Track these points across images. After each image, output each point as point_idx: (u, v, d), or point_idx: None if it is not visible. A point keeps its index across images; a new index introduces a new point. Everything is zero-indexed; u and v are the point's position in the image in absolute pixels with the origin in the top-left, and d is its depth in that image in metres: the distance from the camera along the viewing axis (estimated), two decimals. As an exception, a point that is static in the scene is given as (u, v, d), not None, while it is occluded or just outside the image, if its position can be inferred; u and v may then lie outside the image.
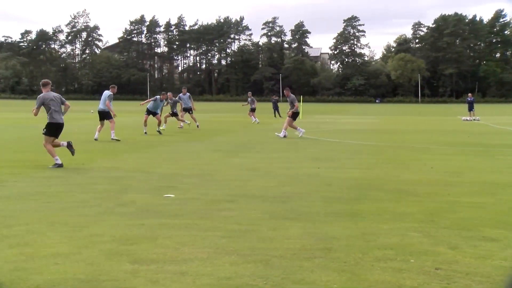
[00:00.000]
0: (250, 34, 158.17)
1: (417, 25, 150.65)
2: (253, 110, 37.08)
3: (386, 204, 8.67)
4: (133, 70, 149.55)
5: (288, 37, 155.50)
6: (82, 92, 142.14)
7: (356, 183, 10.93)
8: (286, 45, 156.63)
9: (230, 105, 37.39)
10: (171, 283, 4.89)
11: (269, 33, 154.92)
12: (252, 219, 7.48)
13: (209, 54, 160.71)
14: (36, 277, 4.98)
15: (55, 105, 13.26)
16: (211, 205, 8.46)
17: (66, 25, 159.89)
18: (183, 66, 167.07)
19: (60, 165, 12.82)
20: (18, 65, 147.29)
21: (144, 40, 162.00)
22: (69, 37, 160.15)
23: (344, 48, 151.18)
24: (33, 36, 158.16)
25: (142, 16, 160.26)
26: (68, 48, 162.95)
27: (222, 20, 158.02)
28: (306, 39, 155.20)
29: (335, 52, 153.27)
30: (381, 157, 16.12)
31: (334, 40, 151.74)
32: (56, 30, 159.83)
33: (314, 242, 6.32)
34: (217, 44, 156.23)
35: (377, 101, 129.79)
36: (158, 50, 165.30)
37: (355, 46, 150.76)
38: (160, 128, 24.95)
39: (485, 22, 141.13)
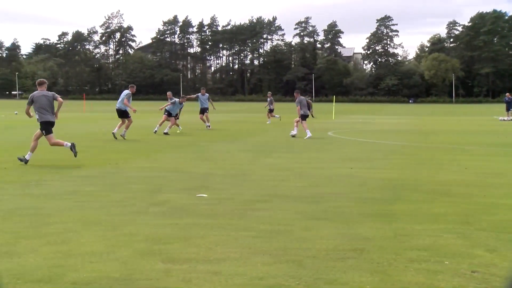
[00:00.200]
0: (283, 34, 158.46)
1: (452, 24, 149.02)
2: (270, 111, 36.93)
3: (419, 205, 8.57)
4: (166, 71, 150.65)
5: (321, 37, 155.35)
6: (115, 92, 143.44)
7: (389, 183, 10.84)
8: (318, 45, 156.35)
9: (263, 105, 37.36)
10: (203, 283, 4.90)
11: (301, 33, 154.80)
12: (285, 219, 7.47)
13: (242, 54, 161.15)
14: (73, 275, 5.04)
15: (45, 104, 13.67)
16: (244, 205, 8.46)
17: (101, 26, 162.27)
18: (216, 66, 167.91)
19: (26, 162, 13.26)
20: (55, 66, 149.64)
21: (177, 40, 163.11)
22: (103, 38, 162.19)
23: (377, 48, 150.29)
24: (69, 37, 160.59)
25: (175, 17, 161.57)
26: (102, 48, 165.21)
27: (254, 20, 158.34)
28: (339, 39, 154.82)
29: (368, 52, 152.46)
30: (415, 157, 15.96)
31: (367, 40, 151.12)
32: (91, 31, 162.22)
33: (347, 242, 6.28)
34: (249, 44, 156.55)
35: (410, 101, 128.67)
36: (191, 50, 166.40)
37: (388, 46, 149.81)
38: (156, 129, 24.84)
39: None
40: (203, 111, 28.77)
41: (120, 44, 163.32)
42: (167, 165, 13.49)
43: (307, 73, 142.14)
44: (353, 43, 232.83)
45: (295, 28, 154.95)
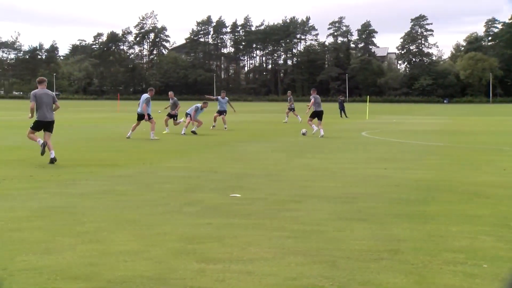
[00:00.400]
0: (316, 34, 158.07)
1: (490, 22, 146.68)
2: (291, 109, 36.82)
3: (455, 206, 8.46)
4: (200, 71, 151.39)
5: (355, 36, 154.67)
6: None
7: (424, 184, 10.72)
8: (352, 45, 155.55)
9: (296, 106, 37.24)
10: (237, 283, 4.91)
11: (335, 33, 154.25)
12: (319, 219, 7.44)
13: (275, 54, 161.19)
14: (108, 273, 5.09)
15: (45, 102, 13.87)
16: (278, 205, 8.45)
17: (135, 27, 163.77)
18: (249, 67, 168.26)
19: (44, 144, 13.53)
20: (90, 66, 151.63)
21: (210, 40, 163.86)
22: (138, 38, 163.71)
23: (411, 47, 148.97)
24: (104, 38, 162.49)
25: (209, 17, 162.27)
26: (136, 49, 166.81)
27: (288, 20, 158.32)
28: (373, 39, 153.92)
29: (402, 52, 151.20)
30: (450, 158, 15.78)
31: (401, 40, 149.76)
32: (125, 31, 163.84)
33: (381, 243, 6.23)
34: (283, 44, 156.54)
35: (445, 101, 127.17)
36: (225, 50, 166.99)
37: (422, 46, 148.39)
38: (183, 132, 24.67)
39: None
40: (221, 113, 28.90)
41: (154, 44, 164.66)
42: (200, 165, 13.54)
43: (340, 73, 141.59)
44: (387, 42, 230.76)
45: (329, 28, 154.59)
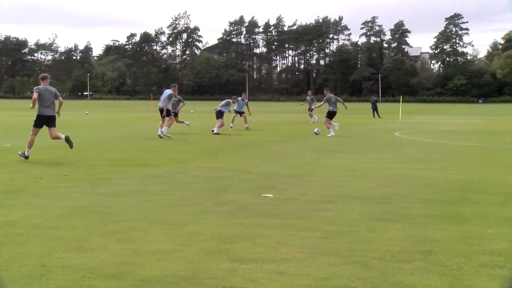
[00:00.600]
0: (349, 34, 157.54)
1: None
2: (311, 110, 36.66)
3: (491, 208, 8.33)
4: (232, 71, 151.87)
5: (388, 36, 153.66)
6: (182, 93, 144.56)
7: (457, 185, 10.59)
8: (385, 45, 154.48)
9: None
10: (269, 283, 4.91)
11: (368, 33, 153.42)
12: (351, 220, 7.40)
13: (308, 54, 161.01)
14: (141, 272, 5.14)
15: (48, 98, 14.14)
16: (309, 205, 8.43)
17: (168, 27, 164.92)
18: (282, 67, 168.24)
19: (26, 157, 13.78)
20: (123, 67, 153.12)
21: (243, 40, 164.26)
22: (170, 39, 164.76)
23: (445, 47, 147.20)
24: (137, 38, 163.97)
25: (241, 17, 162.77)
26: (169, 49, 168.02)
27: (320, 20, 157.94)
28: (406, 39, 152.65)
29: (436, 52, 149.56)
30: (485, 158, 15.56)
31: (435, 39, 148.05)
32: (158, 32, 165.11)
33: (414, 244, 6.17)
34: (315, 44, 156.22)
35: (480, 101, 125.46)
36: (257, 50, 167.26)
37: (457, 45, 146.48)
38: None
39: None
40: (240, 113, 29.03)
41: (186, 44, 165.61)
42: (231, 165, 13.58)
43: (373, 73, 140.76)
44: (421, 42, 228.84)
45: (362, 28, 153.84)
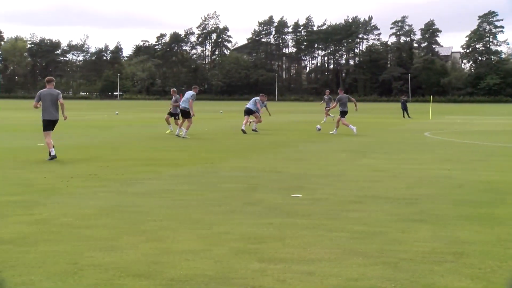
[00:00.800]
0: (379, 34, 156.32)
1: None
2: (327, 108, 36.37)
3: (524, 209, 8.21)
4: (262, 71, 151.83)
5: (418, 36, 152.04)
6: (212, 93, 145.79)
7: (489, 186, 10.46)
8: (415, 44, 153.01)
9: (358, 106, 36.84)
10: (298, 283, 4.90)
11: (398, 33, 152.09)
12: (380, 220, 7.36)
13: (337, 54, 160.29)
14: (170, 271, 5.17)
15: (49, 101, 14.13)
16: (339, 205, 8.40)
17: (197, 27, 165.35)
18: (311, 67, 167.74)
19: (54, 157, 13.81)
20: (153, 67, 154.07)
21: (272, 40, 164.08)
22: (200, 39, 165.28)
23: (477, 46, 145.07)
24: (166, 39, 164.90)
25: (271, 17, 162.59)
26: (199, 49, 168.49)
27: (350, 20, 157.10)
28: (437, 38, 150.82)
29: (468, 51, 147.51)
30: (518, 159, 15.34)
31: (467, 39, 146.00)
32: (188, 32, 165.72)
33: (445, 245, 6.11)
34: (345, 44, 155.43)
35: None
36: (286, 50, 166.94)
37: (490, 44, 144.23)
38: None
39: None
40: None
41: (216, 45, 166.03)
42: (261, 165, 13.58)
43: (403, 72, 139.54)
44: (451, 41, 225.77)
45: (391, 28, 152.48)
